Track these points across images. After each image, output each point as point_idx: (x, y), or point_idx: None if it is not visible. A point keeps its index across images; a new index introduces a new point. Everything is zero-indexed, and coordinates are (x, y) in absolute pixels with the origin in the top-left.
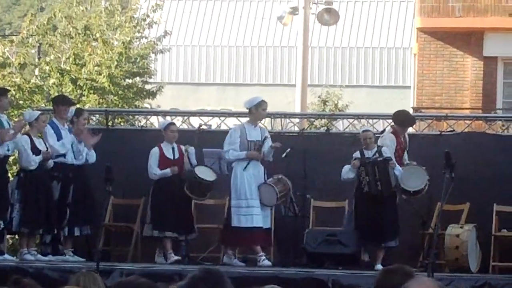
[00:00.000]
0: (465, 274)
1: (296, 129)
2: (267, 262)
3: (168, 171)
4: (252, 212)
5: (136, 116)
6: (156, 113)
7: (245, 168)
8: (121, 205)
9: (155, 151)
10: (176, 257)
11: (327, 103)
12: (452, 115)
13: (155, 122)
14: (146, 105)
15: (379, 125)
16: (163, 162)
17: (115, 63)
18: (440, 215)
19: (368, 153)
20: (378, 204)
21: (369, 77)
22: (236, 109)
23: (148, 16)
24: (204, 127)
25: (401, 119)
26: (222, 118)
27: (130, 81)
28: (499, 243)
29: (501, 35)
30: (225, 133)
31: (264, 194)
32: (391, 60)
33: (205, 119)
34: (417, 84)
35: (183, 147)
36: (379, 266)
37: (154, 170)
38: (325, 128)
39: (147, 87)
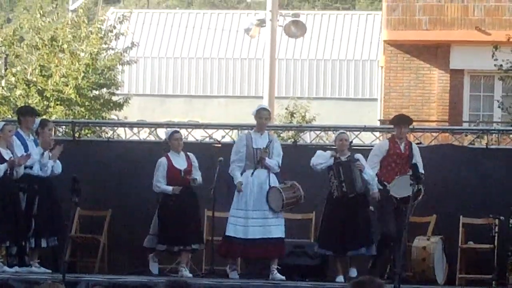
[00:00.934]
0: (432, 286)
1: None
2: (278, 276)
3: (169, 189)
4: (248, 224)
5: (103, 128)
6: (123, 124)
7: (252, 173)
8: (88, 216)
9: (162, 162)
10: (187, 274)
11: (294, 115)
12: (419, 127)
13: (122, 133)
14: (113, 116)
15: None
16: (172, 172)
17: (82, 74)
18: (407, 227)
19: (342, 157)
20: (346, 210)
21: (336, 89)
22: (203, 121)
23: (114, 27)
24: None
25: (395, 119)
26: (189, 130)
27: (97, 92)
28: (466, 255)
29: (467, 48)
30: (192, 144)
31: (271, 198)
32: (358, 73)
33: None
34: (384, 96)
35: (191, 155)
36: (352, 271)
37: (159, 183)
38: (292, 140)
39: (114, 98)
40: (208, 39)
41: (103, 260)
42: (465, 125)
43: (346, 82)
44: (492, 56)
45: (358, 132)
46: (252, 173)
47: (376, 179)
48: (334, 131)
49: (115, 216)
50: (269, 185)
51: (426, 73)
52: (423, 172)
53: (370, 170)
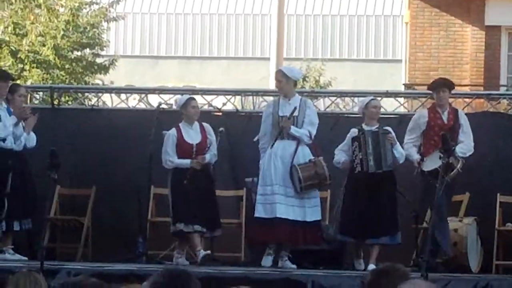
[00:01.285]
0: (465, 274)
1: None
2: (289, 264)
3: (187, 161)
4: (274, 200)
5: (86, 94)
6: (109, 90)
7: (272, 145)
8: (69, 195)
9: (172, 133)
10: (204, 252)
11: (306, 79)
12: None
13: (108, 100)
14: (97, 81)
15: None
16: (182, 147)
17: (61, 33)
18: (436, 207)
19: (368, 129)
20: (371, 189)
21: (354, 49)
22: (201, 86)
23: None
24: (164, 106)
25: (433, 83)
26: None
27: (79, 53)
28: (504, 238)
29: (504, 1)
30: None
31: (292, 178)
32: (379, 30)
33: (166, 97)
34: (409, 57)
35: (207, 127)
36: (371, 266)
37: (171, 157)
38: None
39: (99, 60)
40: None
41: (86, 245)
42: (503, 90)
43: (365, 41)
44: None
45: (380, 98)
46: (272, 144)
47: (416, 157)
48: (352, 97)
49: (100, 195)
50: (292, 161)
51: (457, 30)
52: (472, 144)
53: (400, 147)
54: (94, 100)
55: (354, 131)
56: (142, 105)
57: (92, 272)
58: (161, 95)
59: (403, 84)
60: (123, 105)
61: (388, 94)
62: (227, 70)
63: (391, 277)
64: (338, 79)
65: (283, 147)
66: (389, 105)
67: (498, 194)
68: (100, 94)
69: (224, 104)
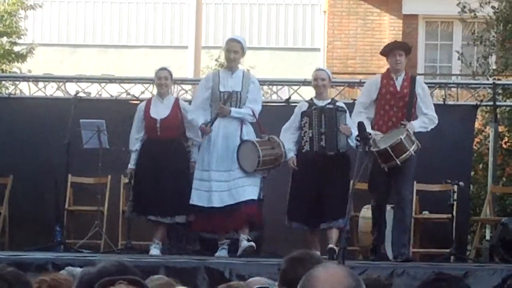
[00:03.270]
0: (381, 261)
1: (189, 97)
2: (245, 243)
3: (133, 157)
4: (211, 188)
5: (3, 82)
6: (26, 78)
7: (211, 124)
8: None
9: (140, 107)
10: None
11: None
12: (366, 80)
13: (25, 88)
14: (15, 69)
15: (284, 92)
16: (146, 121)
17: None
18: (353, 195)
19: (319, 103)
20: (323, 171)
21: (272, 37)
22: (119, 74)
23: None
24: (82, 94)
25: (386, 46)
26: (103, 85)
27: None
28: (421, 226)
29: None
30: (105, 101)
31: (243, 155)
32: (297, 18)
33: (84, 85)
34: (327, 46)
35: (183, 104)
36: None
37: (132, 134)
38: None
39: (16, 48)
40: None
41: (3, 234)
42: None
43: (283, 30)
44: None
45: (298, 87)
46: (212, 123)
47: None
48: (270, 86)
49: (17, 183)
50: (241, 138)
51: (375, 19)
52: (434, 116)
53: (356, 134)
54: (11, 88)
55: (304, 105)
56: (60, 94)
57: (9, 261)
58: (78, 83)
59: None
60: (40, 94)
61: (306, 83)
62: (145, 58)
63: (306, 264)
64: (256, 68)
65: (224, 125)
66: (308, 93)
67: (415, 182)
68: (17, 83)
69: (142, 92)
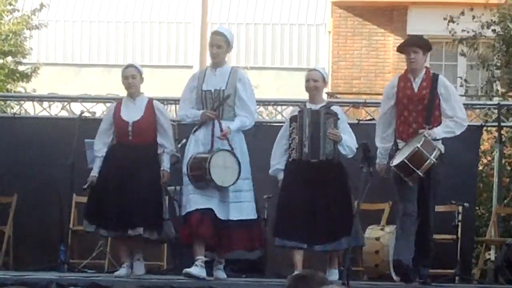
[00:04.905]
0: (386, 282)
1: None
2: (221, 274)
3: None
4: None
5: (8, 102)
6: (31, 98)
7: (194, 131)
8: None
9: (108, 109)
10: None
11: None
12: (372, 101)
13: (30, 108)
14: (20, 89)
15: (288, 112)
16: (117, 124)
17: None
18: (357, 216)
19: (312, 107)
20: (314, 182)
21: (277, 57)
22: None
23: None
24: (87, 114)
25: (401, 43)
26: (108, 104)
27: (1, 61)
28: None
29: (426, 10)
30: None
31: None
32: (302, 39)
33: (88, 105)
34: (332, 66)
35: (157, 104)
36: (334, 273)
37: (98, 138)
38: None
39: (21, 68)
40: (128, 0)
41: (7, 254)
42: (467, 124)
43: (288, 50)
44: (448, 24)
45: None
46: (196, 130)
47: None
48: (275, 106)
49: (22, 202)
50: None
51: (380, 40)
52: (463, 117)
53: (350, 140)
54: (16, 108)
55: (294, 109)
56: (64, 113)
57: (13, 281)
58: (83, 103)
59: (326, 93)
60: (45, 113)
61: None
62: (151, 78)
63: (310, 283)
64: (261, 87)
65: (205, 130)
66: None
67: None
68: (22, 102)
69: None
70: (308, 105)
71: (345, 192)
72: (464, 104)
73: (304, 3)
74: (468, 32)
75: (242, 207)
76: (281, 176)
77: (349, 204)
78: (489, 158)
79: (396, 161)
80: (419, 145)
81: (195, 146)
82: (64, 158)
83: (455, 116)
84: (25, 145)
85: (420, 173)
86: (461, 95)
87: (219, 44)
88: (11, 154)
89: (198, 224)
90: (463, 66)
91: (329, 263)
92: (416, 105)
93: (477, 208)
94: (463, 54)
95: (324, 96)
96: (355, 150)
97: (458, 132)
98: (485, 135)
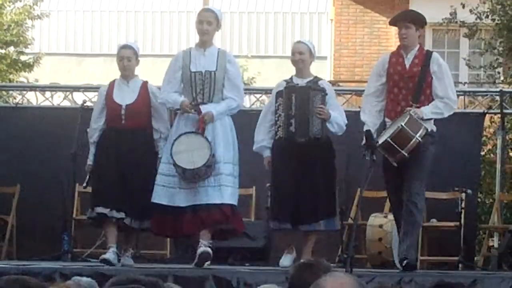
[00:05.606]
0: (389, 270)
1: None
2: (203, 249)
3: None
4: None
5: (10, 92)
6: (34, 88)
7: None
8: None
9: (101, 91)
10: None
11: None
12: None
13: (32, 98)
14: (22, 79)
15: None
16: (109, 107)
17: None
18: (360, 203)
19: (299, 82)
20: (301, 161)
21: (279, 46)
22: None
23: None
24: (89, 104)
25: (393, 17)
26: None
27: (3, 51)
28: (428, 234)
29: None
30: None
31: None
32: (304, 27)
33: (91, 94)
34: (334, 54)
35: (151, 87)
36: (286, 260)
37: (91, 122)
38: None
39: (23, 58)
40: None
41: (11, 243)
42: (457, 107)
43: (290, 38)
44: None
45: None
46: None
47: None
48: None
49: (24, 192)
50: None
51: (382, 27)
52: (453, 98)
53: (339, 117)
54: (18, 98)
55: (281, 84)
56: (67, 103)
57: (17, 270)
58: (85, 92)
59: (328, 81)
60: (47, 103)
61: None
62: (152, 67)
63: (314, 271)
64: (263, 76)
65: (193, 117)
66: None
67: None
68: (24, 92)
69: None
70: (295, 80)
71: (330, 172)
72: (466, 92)
73: None
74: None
75: (221, 191)
76: (266, 153)
77: (332, 185)
78: (491, 145)
79: (380, 140)
80: (403, 124)
81: (176, 131)
82: (67, 148)
83: (446, 97)
84: (27, 135)
85: (404, 153)
86: (465, 83)
87: (209, 21)
88: (14, 144)
89: (159, 220)
90: (465, 52)
91: (303, 248)
92: (407, 83)
93: (480, 195)
94: (466, 36)
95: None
96: (345, 127)
97: (446, 114)
98: (487, 122)
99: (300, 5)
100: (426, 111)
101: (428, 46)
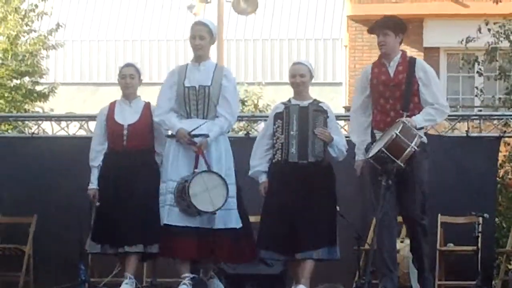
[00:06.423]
0: None
1: None
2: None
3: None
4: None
5: (26, 122)
6: (49, 117)
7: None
8: (9, 224)
9: (102, 112)
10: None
11: (245, 103)
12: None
13: (48, 128)
14: (37, 108)
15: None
16: (111, 128)
17: (0, 61)
18: (379, 220)
19: (299, 103)
20: (300, 185)
21: None
22: None
23: (36, 6)
24: None
25: (372, 25)
26: None
27: (18, 81)
28: (445, 258)
29: (443, 22)
30: None
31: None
32: (318, 53)
33: None
34: (349, 80)
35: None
36: None
37: (93, 145)
38: (245, 132)
39: (38, 88)
40: (145, 18)
41: (28, 273)
42: (449, 111)
43: None
44: (480, 30)
45: None
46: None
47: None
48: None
49: (41, 222)
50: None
51: None
52: (444, 104)
53: (342, 141)
54: (34, 128)
55: (279, 106)
56: (82, 132)
57: None
58: None
59: (343, 107)
60: (63, 133)
61: None
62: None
63: None
64: (276, 102)
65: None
66: None
67: (439, 215)
68: (40, 122)
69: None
70: (294, 102)
71: (331, 198)
72: (481, 115)
73: (319, 17)
74: (486, 44)
75: (230, 215)
76: (262, 178)
77: (333, 212)
78: (507, 169)
79: (372, 151)
80: (397, 132)
81: (175, 153)
82: (83, 177)
83: (436, 102)
84: (43, 165)
85: (400, 163)
86: (480, 107)
87: (202, 35)
88: (30, 174)
89: (177, 242)
90: (480, 78)
91: (301, 274)
92: (393, 92)
93: (497, 218)
94: (480, 74)
95: (341, 107)
96: (346, 153)
97: (439, 120)
98: (502, 146)
99: (314, 32)
100: (418, 119)
101: (443, 70)
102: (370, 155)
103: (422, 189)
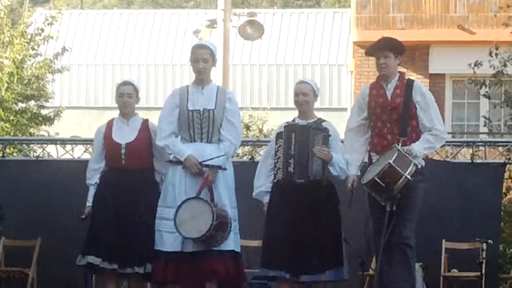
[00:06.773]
0: None
1: None
2: None
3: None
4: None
5: (31, 145)
6: (54, 141)
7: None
8: (14, 247)
9: (98, 131)
10: None
11: (250, 128)
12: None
13: (53, 151)
14: (42, 132)
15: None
16: (109, 147)
17: (5, 85)
18: (382, 244)
19: (300, 122)
20: (302, 206)
21: None
22: None
23: (42, 30)
24: None
25: (370, 47)
26: None
27: (24, 105)
28: (449, 284)
29: (449, 49)
30: None
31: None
32: (324, 79)
33: None
34: None
35: (153, 126)
36: None
37: (90, 164)
38: (249, 156)
39: (44, 111)
40: (151, 43)
41: None
42: (447, 137)
43: None
44: (490, 54)
45: None
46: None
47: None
48: None
49: (45, 245)
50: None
51: None
52: (441, 129)
53: (341, 160)
54: (39, 151)
55: (281, 126)
56: (87, 156)
57: None
58: None
59: None
60: (68, 156)
61: None
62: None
63: None
64: None
65: (199, 155)
66: None
67: (443, 240)
68: (45, 145)
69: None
70: (297, 121)
71: (335, 218)
72: (487, 142)
73: (325, 43)
74: (492, 67)
75: (234, 239)
76: (266, 199)
77: (338, 231)
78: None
79: (366, 178)
80: (391, 161)
81: (181, 179)
82: (87, 201)
83: (433, 128)
84: (48, 188)
85: (394, 192)
86: (485, 133)
87: (205, 58)
88: (34, 197)
89: (166, 269)
90: (486, 104)
91: None
92: (391, 115)
93: (501, 245)
94: (487, 96)
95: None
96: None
97: (438, 146)
98: (507, 172)
99: (320, 57)
100: (418, 148)
101: (448, 97)
102: (365, 181)
103: (412, 216)
